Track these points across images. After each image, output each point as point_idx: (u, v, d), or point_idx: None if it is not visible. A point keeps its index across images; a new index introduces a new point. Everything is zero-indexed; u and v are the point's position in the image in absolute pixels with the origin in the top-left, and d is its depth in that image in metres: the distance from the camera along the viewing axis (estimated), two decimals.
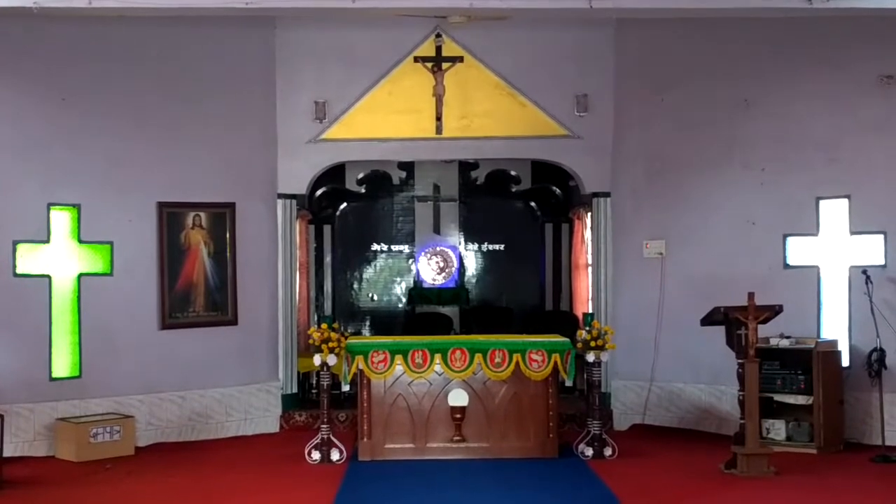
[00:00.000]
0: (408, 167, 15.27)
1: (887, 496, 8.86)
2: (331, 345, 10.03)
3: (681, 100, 11.85)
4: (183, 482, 9.55)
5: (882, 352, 10.30)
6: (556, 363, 10.20)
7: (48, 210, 10.69)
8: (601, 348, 10.28)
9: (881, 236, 10.62)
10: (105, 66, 11.05)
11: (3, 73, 10.52)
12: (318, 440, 10.17)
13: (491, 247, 15.58)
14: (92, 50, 10.96)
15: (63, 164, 10.78)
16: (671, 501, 8.78)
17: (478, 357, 10.17)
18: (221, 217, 11.78)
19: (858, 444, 10.52)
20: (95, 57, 10.99)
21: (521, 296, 15.46)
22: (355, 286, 15.51)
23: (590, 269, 13.03)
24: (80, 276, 10.86)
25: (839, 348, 10.73)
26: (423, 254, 15.48)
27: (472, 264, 15.63)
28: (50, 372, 10.68)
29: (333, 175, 14.12)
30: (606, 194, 12.43)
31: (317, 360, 10.11)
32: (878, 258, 10.60)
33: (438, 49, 12.35)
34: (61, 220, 10.80)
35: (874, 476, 9.50)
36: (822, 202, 10.98)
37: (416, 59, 12.34)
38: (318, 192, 14.61)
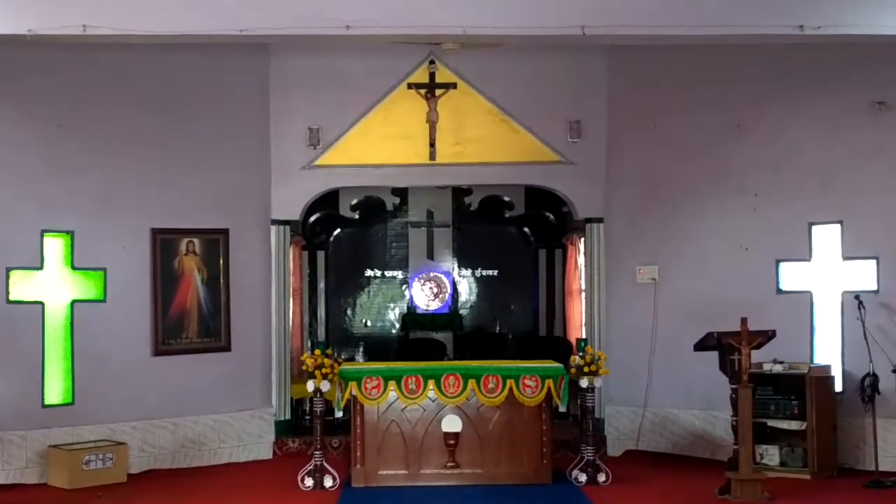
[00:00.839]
0: (401, 193, 15.25)
1: None
2: (324, 371, 10.01)
3: (674, 125, 11.87)
4: None
5: (875, 377, 10.29)
6: (549, 389, 10.20)
7: (41, 237, 10.68)
8: (594, 374, 10.27)
9: (873, 261, 10.65)
10: (99, 93, 11.06)
11: None
12: (311, 466, 10.14)
13: (484, 272, 15.55)
14: (86, 77, 10.99)
15: (57, 190, 10.78)
16: None
17: (471, 383, 10.16)
18: (215, 243, 11.77)
19: (852, 469, 10.50)
20: (89, 83, 11.02)
21: (514, 321, 15.43)
22: (349, 312, 15.47)
23: (583, 294, 13.01)
24: (74, 302, 10.84)
25: (832, 373, 10.73)
26: (416, 279, 15.46)
27: (466, 290, 15.61)
28: (42, 399, 10.64)
29: (327, 201, 14.11)
30: (599, 220, 12.43)
31: (310, 386, 10.09)
32: (870, 283, 10.62)
33: (432, 75, 12.38)
34: (55, 246, 10.78)
35: (868, 502, 9.49)
36: (814, 227, 11.01)
37: (409, 86, 12.37)
38: (312, 218, 14.61)
